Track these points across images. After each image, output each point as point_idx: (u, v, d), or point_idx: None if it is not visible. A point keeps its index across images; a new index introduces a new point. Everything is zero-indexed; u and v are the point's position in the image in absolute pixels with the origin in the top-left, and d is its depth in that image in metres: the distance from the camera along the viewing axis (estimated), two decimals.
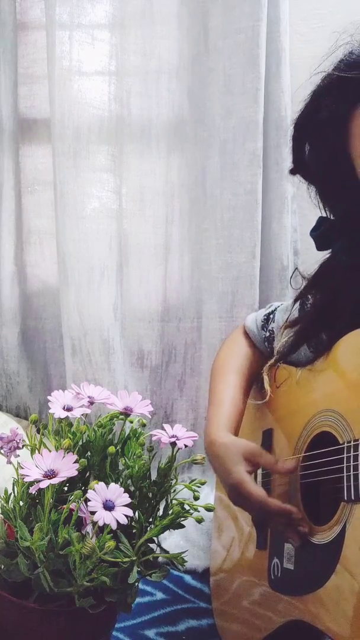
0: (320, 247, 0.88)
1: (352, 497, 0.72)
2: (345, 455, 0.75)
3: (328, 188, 0.87)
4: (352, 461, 0.73)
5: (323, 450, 0.80)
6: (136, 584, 0.74)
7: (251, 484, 0.84)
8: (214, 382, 1.01)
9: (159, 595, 1.10)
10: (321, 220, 0.88)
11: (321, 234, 0.87)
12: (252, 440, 0.97)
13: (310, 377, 0.88)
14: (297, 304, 0.96)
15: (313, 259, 0.92)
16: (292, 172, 0.90)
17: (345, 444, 0.75)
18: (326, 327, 0.88)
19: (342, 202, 0.86)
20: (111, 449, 0.77)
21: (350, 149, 0.79)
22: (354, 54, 0.77)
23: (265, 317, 1.03)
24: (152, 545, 0.77)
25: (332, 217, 0.88)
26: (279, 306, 1.04)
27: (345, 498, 0.73)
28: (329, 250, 0.89)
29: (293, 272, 1.08)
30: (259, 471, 0.95)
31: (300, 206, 1.40)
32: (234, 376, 1.00)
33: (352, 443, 0.74)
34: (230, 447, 0.88)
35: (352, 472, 0.73)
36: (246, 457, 0.87)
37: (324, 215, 0.89)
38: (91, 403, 0.81)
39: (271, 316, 1.03)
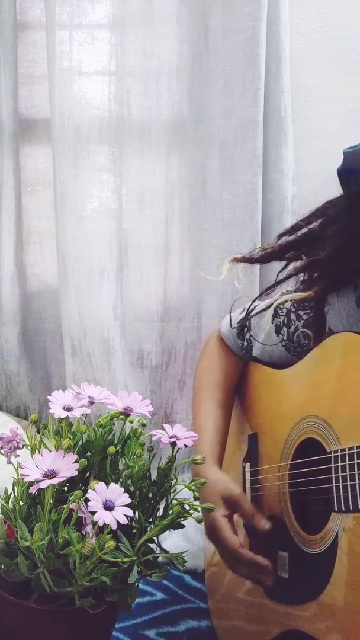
0: (344, 167, 0.81)
1: (343, 508, 0.71)
2: (332, 465, 0.74)
3: None
4: (340, 471, 0.72)
5: (310, 459, 0.79)
6: (136, 584, 0.74)
7: (227, 531, 0.84)
8: (196, 402, 1.00)
9: (159, 595, 1.10)
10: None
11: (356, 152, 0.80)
12: (239, 443, 0.96)
13: (293, 380, 0.87)
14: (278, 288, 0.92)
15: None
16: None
17: (333, 454, 0.74)
18: (318, 265, 0.84)
19: None
20: (111, 449, 0.77)
21: None
22: None
23: (239, 324, 1.00)
24: (152, 545, 0.77)
25: None
26: (253, 309, 0.99)
27: (336, 509, 0.72)
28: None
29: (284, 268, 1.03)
30: (247, 475, 0.95)
31: (300, 206, 1.40)
32: (214, 394, 0.99)
33: (339, 453, 0.73)
34: (212, 486, 0.87)
35: (341, 483, 0.72)
36: (226, 500, 0.87)
37: None
38: (91, 403, 0.81)
39: (247, 323, 0.99)
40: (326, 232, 0.85)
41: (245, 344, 0.99)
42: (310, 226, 0.87)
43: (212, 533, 0.86)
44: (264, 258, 0.92)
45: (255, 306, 1.00)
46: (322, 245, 0.85)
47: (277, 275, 0.93)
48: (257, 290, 1.41)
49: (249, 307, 1.00)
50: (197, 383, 1.03)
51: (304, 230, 0.88)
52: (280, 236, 0.92)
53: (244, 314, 1.01)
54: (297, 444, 0.83)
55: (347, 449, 0.72)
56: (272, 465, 0.88)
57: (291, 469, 0.84)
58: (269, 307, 0.94)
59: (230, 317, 1.03)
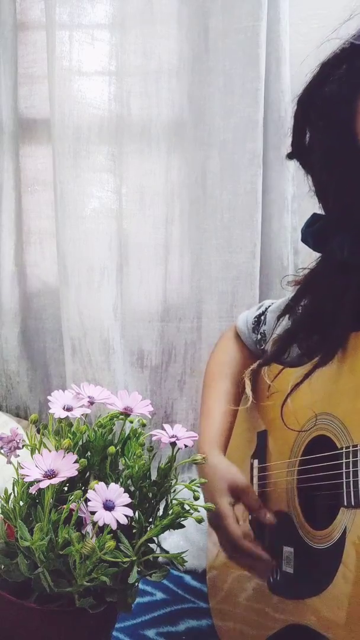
0: (315, 244, 0.82)
1: (352, 503, 0.72)
2: (344, 460, 0.74)
3: (328, 177, 0.78)
4: (351, 467, 0.73)
5: (321, 455, 0.80)
6: (136, 584, 0.74)
7: (231, 519, 0.84)
8: (206, 391, 1.01)
9: (159, 595, 1.10)
10: (316, 217, 0.82)
11: (317, 230, 0.81)
12: (247, 441, 0.96)
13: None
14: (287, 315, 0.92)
15: (313, 259, 0.90)
16: (290, 156, 0.82)
17: (344, 449, 0.75)
18: (319, 331, 0.84)
19: (343, 194, 0.78)
20: (111, 449, 0.77)
21: (356, 131, 0.72)
22: None
23: (256, 318, 1.01)
24: (152, 545, 0.77)
25: (324, 213, 0.82)
26: (270, 306, 1.02)
27: (345, 504, 0.73)
28: (318, 258, 0.85)
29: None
30: (255, 472, 0.95)
31: (300, 206, 1.40)
32: (225, 385, 0.99)
33: (350, 449, 0.73)
34: (219, 474, 0.87)
35: (351, 478, 0.72)
36: (231, 489, 0.87)
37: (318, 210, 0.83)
38: (91, 403, 0.81)
39: (262, 318, 1.01)
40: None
41: (259, 337, 1.00)
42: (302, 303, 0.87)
43: (216, 520, 0.86)
44: (277, 354, 0.91)
45: (272, 303, 1.02)
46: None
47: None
48: (258, 290, 1.41)
49: (268, 304, 1.02)
50: (208, 373, 1.03)
51: (299, 310, 0.87)
52: (279, 317, 0.93)
53: (261, 310, 1.02)
54: (308, 441, 0.83)
55: (358, 445, 0.73)
56: (281, 461, 0.88)
57: (300, 465, 0.84)
58: (285, 306, 0.94)
59: (246, 314, 1.05)
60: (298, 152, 0.81)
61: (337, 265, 0.80)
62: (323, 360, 0.81)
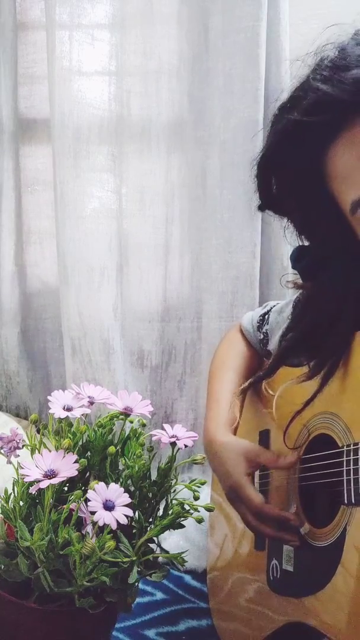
0: (305, 278, 0.83)
1: (353, 501, 0.72)
2: (345, 458, 0.74)
3: (306, 219, 0.79)
4: (352, 465, 0.73)
5: (322, 453, 0.80)
6: (136, 584, 0.74)
7: (250, 488, 0.84)
8: (212, 381, 1.01)
9: (159, 595, 1.10)
10: (302, 250, 0.83)
11: (305, 267, 0.82)
12: (249, 440, 0.96)
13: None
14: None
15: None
16: (261, 208, 0.83)
17: (345, 448, 0.75)
18: (315, 350, 0.84)
19: (326, 236, 0.78)
20: (111, 449, 0.77)
21: (332, 190, 0.73)
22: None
23: (261, 317, 1.02)
24: (152, 545, 0.77)
25: (309, 245, 0.82)
26: (274, 306, 1.03)
27: (346, 501, 0.73)
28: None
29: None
30: (257, 472, 0.95)
31: None
32: (231, 375, 0.99)
33: (352, 447, 0.74)
34: (230, 447, 0.87)
35: (352, 476, 0.72)
36: (247, 457, 0.86)
37: (302, 243, 0.82)
38: (91, 403, 0.81)
39: (266, 317, 1.02)
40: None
41: (262, 336, 1.00)
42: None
43: (234, 494, 0.85)
44: (270, 371, 0.91)
45: (276, 303, 1.03)
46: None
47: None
48: (258, 290, 1.41)
49: (272, 304, 1.03)
50: (214, 365, 1.03)
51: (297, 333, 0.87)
52: (280, 339, 0.92)
53: (266, 309, 1.03)
54: (309, 440, 0.83)
55: (359, 443, 0.73)
56: (285, 455, 0.88)
57: (302, 464, 0.84)
58: (288, 303, 0.95)
59: (252, 313, 1.06)
60: (268, 204, 0.82)
61: (330, 294, 0.80)
62: (328, 375, 0.81)
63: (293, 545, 0.82)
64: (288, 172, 0.76)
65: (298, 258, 0.83)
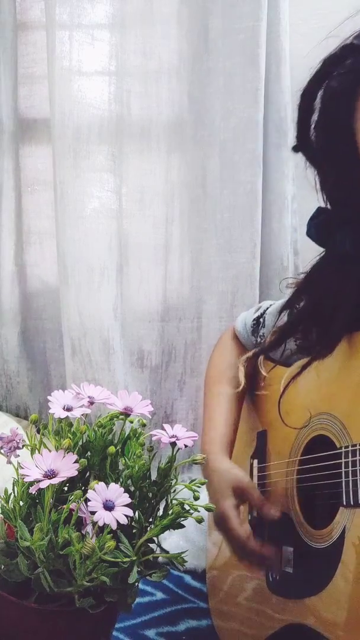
0: (318, 237, 0.83)
1: (352, 502, 0.72)
2: (343, 460, 0.74)
3: (330, 171, 0.80)
4: (350, 466, 0.73)
5: (320, 454, 0.80)
6: (136, 584, 0.74)
7: (235, 521, 0.85)
8: (208, 396, 1.01)
9: (159, 595, 1.10)
10: (320, 210, 0.83)
11: (321, 223, 0.82)
12: (247, 442, 0.96)
13: (305, 378, 0.87)
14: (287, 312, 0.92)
15: (313, 258, 0.90)
16: (295, 149, 0.83)
17: (343, 449, 0.75)
18: (318, 324, 0.84)
19: (343, 189, 0.79)
20: (111, 449, 0.77)
21: (355, 129, 0.74)
22: None
23: (255, 321, 1.01)
24: (152, 545, 0.77)
25: (329, 207, 0.83)
26: (268, 307, 1.02)
27: (345, 503, 0.73)
28: (320, 253, 0.86)
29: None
30: (255, 472, 0.95)
31: (301, 206, 1.40)
32: (226, 388, 0.99)
33: (350, 448, 0.74)
34: (221, 476, 0.88)
35: (350, 478, 0.72)
36: (235, 490, 0.87)
37: (324, 205, 0.83)
38: (91, 403, 0.81)
39: (261, 320, 1.01)
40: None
41: (259, 340, 1.00)
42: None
43: (221, 523, 0.86)
44: (275, 344, 0.91)
45: (271, 304, 1.02)
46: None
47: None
48: (258, 290, 1.41)
49: (266, 305, 1.02)
50: (209, 376, 1.03)
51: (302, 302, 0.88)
52: (281, 311, 0.93)
53: (259, 312, 1.02)
54: (307, 441, 0.83)
55: (358, 445, 0.73)
56: (280, 461, 0.88)
57: (300, 465, 0.84)
58: (284, 304, 0.94)
59: (244, 315, 1.05)
60: (303, 145, 0.82)
61: (339, 259, 0.81)
62: (321, 352, 0.81)
63: (272, 571, 0.83)
64: (326, 104, 0.77)
65: (316, 216, 0.83)
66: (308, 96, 0.78)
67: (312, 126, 0.80)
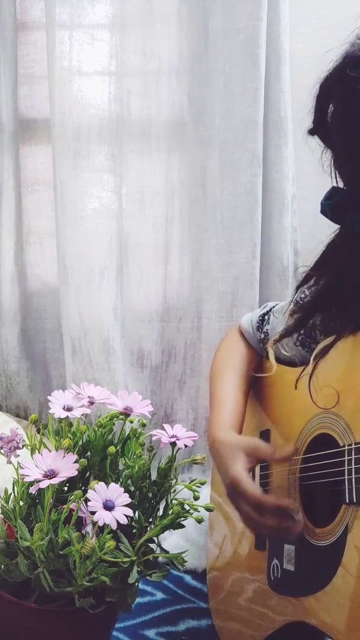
0: (334, 216, 0.83)
1: (354, 500, 0.72)
2: (346, 458, 0.74)
3: (348, 154, 0.80)
4: (353, 464, 0.73)
5: (323, 452, 0.80)
6: (136, 584, 0.74)
7: (247, 481, 0.83)
8: (214, 383, 1.01)
9: (159, 595, 1.10)
10: (334, 190, 0.83)
11: (336, 203, 0.82)
12: None
13: (307, 377, 0.88)
14: (297, 294, 0.92)
15: (313, 257, 0.90)
16: (312, 132, 0.84)
17: (346, 447, 0.75)
18: (338, 303, 0.83)
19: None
20: (111, 449, 0.77)
21: None
22: None
23: (261, 317, 1.02)
24: (152, 545, 0.77)
25: (344, 187, 0.83)
26: (274, 307, 1.03)
27: (347, 501, 0.73)
28: (334, 233, 0.85)
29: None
30: (257, 471, 0.95)
31: (300, 206, 1.40)
32: (232, 376, 0.99)
33: (353, 446, 0.74)
34: (229, 444, 0.87)
35: (353, 476, 0.73)
36: (246, 452, 0.86)
37: (336, 184, 0.83)
38: (91, 403, 0.81)
39: (266, 317, 1.02)
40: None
41: (263, 336, 1.00)
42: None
43: (233, 489, 0.85)
44: (298, 325, 0.91)
45: (276, 304, 1.03)
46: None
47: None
48: (258, 290, 1.41)
49: (271, 304, 1.03)
50: (215, 366, 1.03)
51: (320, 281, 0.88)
52: (297, 288, 0.92)
53: (265, 310, 1.03)
54: (310, 439, 0.83)
55: None
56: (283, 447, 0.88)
57: (303, 463, 0.84)
58: (289, 303, 0.94)
59: (250, 314, 1.06)
60: (319, 129, 0.83)
61: (355, 238, 0.81)
62: (342, 330, 0.81)
63: (292, 537, 0.81)
64: (347, 95, 0.77)
65: (329, 196, 0.83)
66: (327, 87, 0.80)
67: (330, 112, 0.81)
